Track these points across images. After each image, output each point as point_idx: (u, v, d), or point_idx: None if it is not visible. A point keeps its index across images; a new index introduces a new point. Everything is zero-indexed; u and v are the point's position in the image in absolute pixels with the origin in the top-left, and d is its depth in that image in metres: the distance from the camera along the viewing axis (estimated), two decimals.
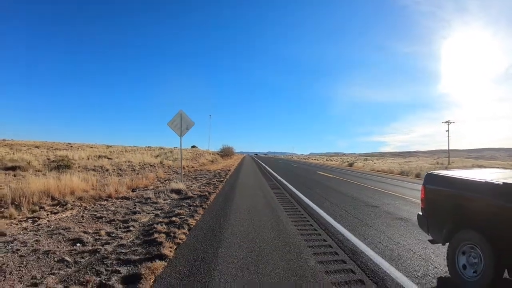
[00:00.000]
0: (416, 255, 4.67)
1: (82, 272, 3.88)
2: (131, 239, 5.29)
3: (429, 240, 4.48)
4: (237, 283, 3.65)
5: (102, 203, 8.61)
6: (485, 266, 3.44)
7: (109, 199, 9.23)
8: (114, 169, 16.85)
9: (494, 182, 3.55)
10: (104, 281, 3.62)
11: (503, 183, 3.44)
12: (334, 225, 6.45)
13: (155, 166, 21.27)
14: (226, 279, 3.74)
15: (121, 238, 5.35)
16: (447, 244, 3.97)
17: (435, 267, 4.23)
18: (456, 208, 3.93)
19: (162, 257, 4.38)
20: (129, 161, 21.01)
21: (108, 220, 6.65)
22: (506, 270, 3.38)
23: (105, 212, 7.45)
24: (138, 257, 4.40)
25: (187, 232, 5.74)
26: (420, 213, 4.58)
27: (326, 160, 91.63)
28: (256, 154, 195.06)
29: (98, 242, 5.07)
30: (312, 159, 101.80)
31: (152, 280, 3.68)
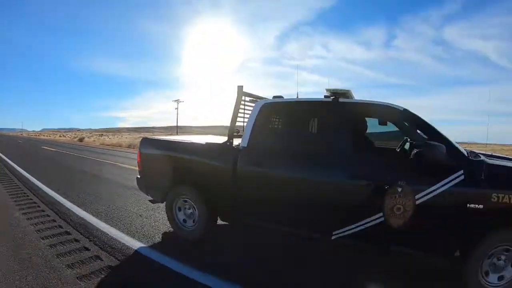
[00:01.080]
0: (103, 200, 6.26)
1: None
2: None
3: (150, 201, 4.74)
4: None
5: None
6: (199, 215, 3.95)
7: None
8: None
9: (198, 142, 4.10)
10: None
11: (206, 143, 3.99)
12: (40, 186, 7.42)
13: None
14: None
15: None
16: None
17: (116, 206, 5.80)
18: (169, 168, 4.19)
19: None
20: None
21: None
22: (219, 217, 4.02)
23: None
24: None
25: None
26: (139, 176, 4.70)
27: (59, 136, 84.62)
28: None
29: None
30: (44, 135, 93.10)
31: None
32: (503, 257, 2.96)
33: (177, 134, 60.39)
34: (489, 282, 2.97)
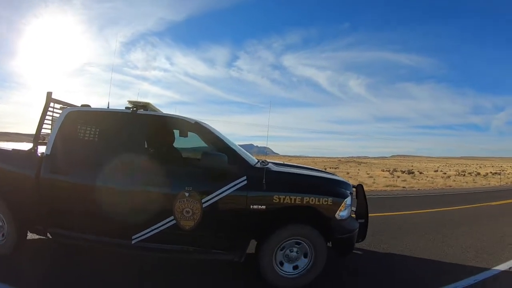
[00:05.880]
0: None
1: None
2: None
3: None
4: None
5: None
6: (8, 228, 3.63)
7: None
8: None
9: (4, 148, 3.87)
10: None
11: (12, 149, 3.78)
12: None
13: None
14: None
15: None
16: None
17: None
18: None
19: None
20: None
21: None
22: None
23: None
24: None
25: None
26: None
27: None
28: None
29: None
30: None
31: None
32: (295, 249, 3.48)
33: None
34: (284, 271, 3.46)
